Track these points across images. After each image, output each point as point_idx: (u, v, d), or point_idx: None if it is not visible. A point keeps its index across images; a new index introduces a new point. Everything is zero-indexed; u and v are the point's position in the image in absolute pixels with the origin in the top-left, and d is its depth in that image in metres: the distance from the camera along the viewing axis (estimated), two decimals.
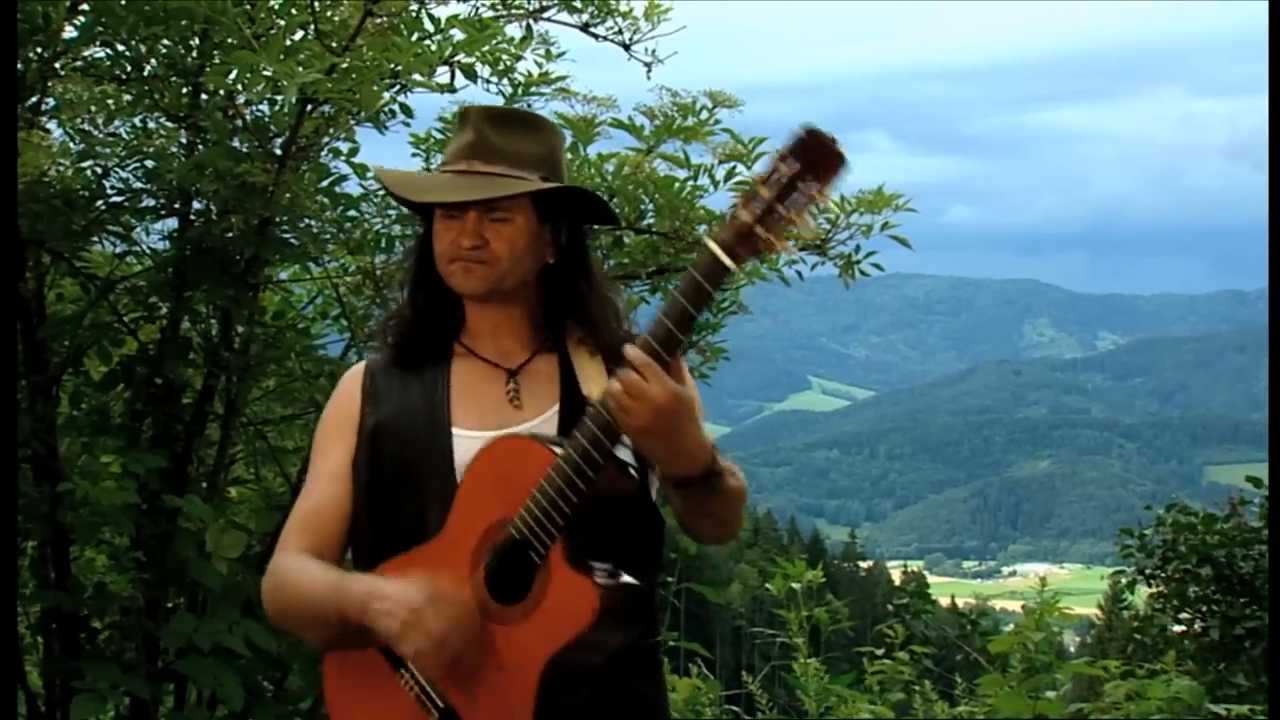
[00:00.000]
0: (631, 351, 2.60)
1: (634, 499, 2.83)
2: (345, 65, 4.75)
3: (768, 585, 7.21)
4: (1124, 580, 12.67)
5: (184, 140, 5.37)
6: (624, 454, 2.74)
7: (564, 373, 3.01)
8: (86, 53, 5.30)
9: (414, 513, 2.90)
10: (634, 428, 2.61)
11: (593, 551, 2.73)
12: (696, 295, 2.55)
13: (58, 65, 5.21)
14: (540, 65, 5.41)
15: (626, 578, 2.73)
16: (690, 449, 2.66)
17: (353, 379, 3.10)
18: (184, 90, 5.26)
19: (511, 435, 2.81)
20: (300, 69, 4.58)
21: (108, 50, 5.27)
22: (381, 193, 5.47)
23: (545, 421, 2.94)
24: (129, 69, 5.26)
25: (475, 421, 2.94)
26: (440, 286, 3.00)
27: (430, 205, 2.99)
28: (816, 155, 2.46)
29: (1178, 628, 12.14)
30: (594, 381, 2.95)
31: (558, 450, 2.69)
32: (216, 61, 5.07)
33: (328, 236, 5.40)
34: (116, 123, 5.32)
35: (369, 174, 5.49)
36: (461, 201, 2.90)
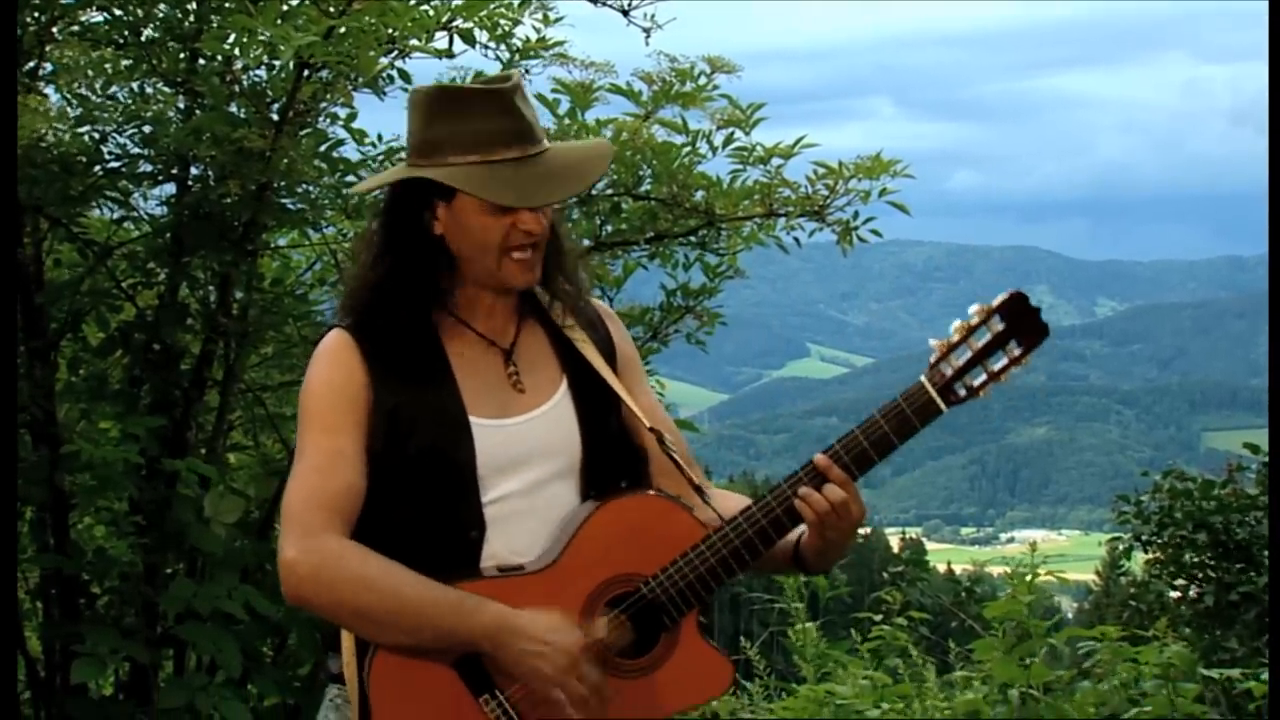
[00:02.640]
0: (834, 471, 2.86)
1: None
2: (342, 29, 4.73)
3: None
4: (1121, 547, 12.68)
5: (181, 105, 5.37)
6: None
7: (560, 348, 2.98)
8: (84, 17, 5.30)
9: (440, 509, 2.84)
10: (833, 541, 2.88)
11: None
12: (901, 427, 2.82)
13: (55, 30, 5.21)
14: (538, 30, 5.40)
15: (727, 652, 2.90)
16: (846, 551, 2.96)
17: (346, 351, 2.90)
18: (181, 55, 5.26)
19: (655, 497, 2.88)
20: (297, 33, 4.57)
21: (105, 15, 5.27)
22: (379, 158, 5.46)
23: (556, 405, 2.93)
24: (126, 34, 5.26)
25: (490, 410, 2.89)
26: (424, 260, 2.89)
27: (434, 196, 2.86)
28: (1022, 321, 2.76)
29: (1174, 594, 12.16)
30: (598, 363, 2.98)
31: (700, 518, 2.84)
32: (214, 26, 5.06)
33: (325, 202, 5.39)
34: (114, 88, 5.31)
35: (366, 139, 5.49)
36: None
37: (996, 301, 2.77)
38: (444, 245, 2.90)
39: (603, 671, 2.73)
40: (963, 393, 2.78)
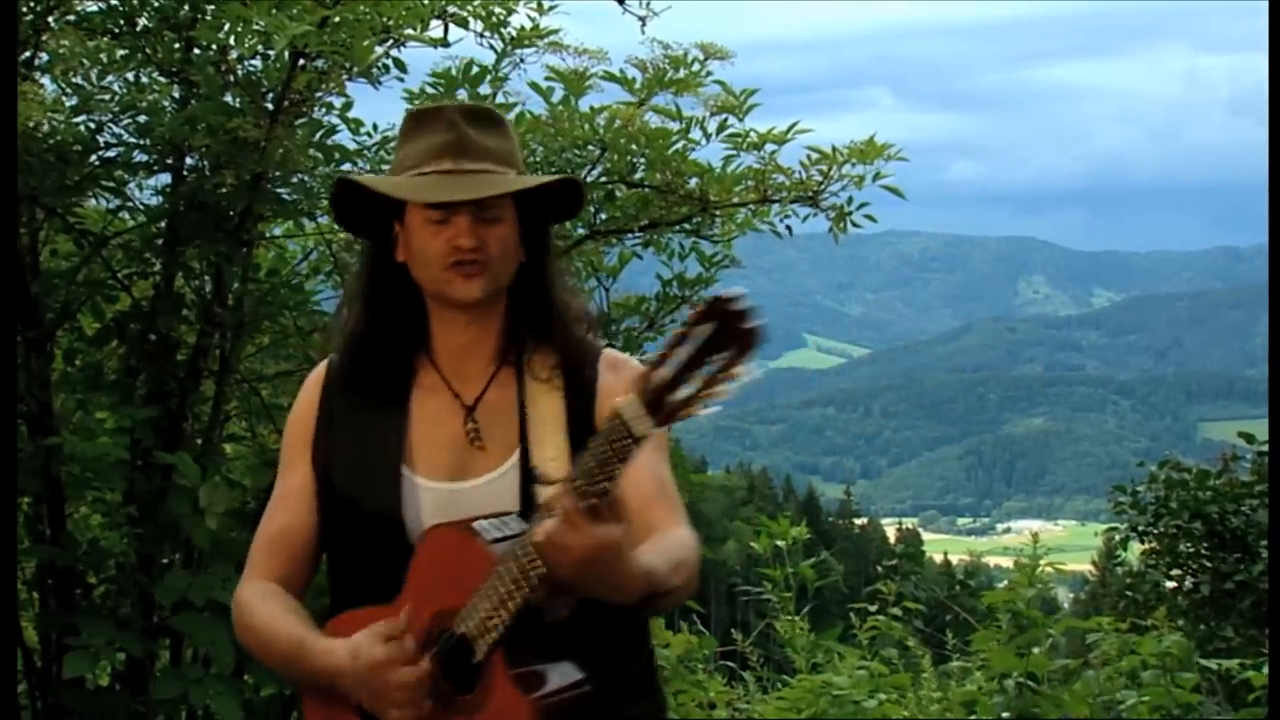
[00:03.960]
0: (556, 497, 2.45)
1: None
2: (337, 19, 4.73)
3: (752, 544, 7.21)
4: (1117, 537, 12.71)
5: (176, 95, 5.36)
6: None
7: (521, 412, 2.88)
8: (80, 6, 5.29)
9: (365, 556, 2.86)
10: (558, 578, 2.48)
11: (548, 649, 2.66)
12: (616, 454, 2.39)
13: (51, 19, 5.20)
14: (533, 19, 5.39)
15: (572, 680, 2.66)
16: (622, 586, 2.49)
17: (313, 386, 3.02)
18: (176, 45, 5.25)
19: (453, 528, 2.70)
20: (291, 22, 4.57)
21: (101, 4, 5.27)
22: (375, 147, 5.47)
23: (505, 474, 2.84)
24: (122, 23, 5.25)
25: (430, 468, 2.86)
26: (400, 301, 2.90)
27: (389, 214, 2.88)
28: (728, 326, 2.30)
29: (1170, 584, 12.20)
30: (548, 425, 2.84)
31: (497, 551, 2.59)
32: (209, 15, 5.06)
33: (321, 192, 5.39)
34: (109, 77, 5.30)
35: (362, 129, 5.49)
36: (463, 201, 2.80)
37: (703, 306, 2.34)
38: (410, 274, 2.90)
39: (436, 704, 2.67)
40: (672, 409, 2.34)
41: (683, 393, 2.32)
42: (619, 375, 2.90)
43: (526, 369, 2.90)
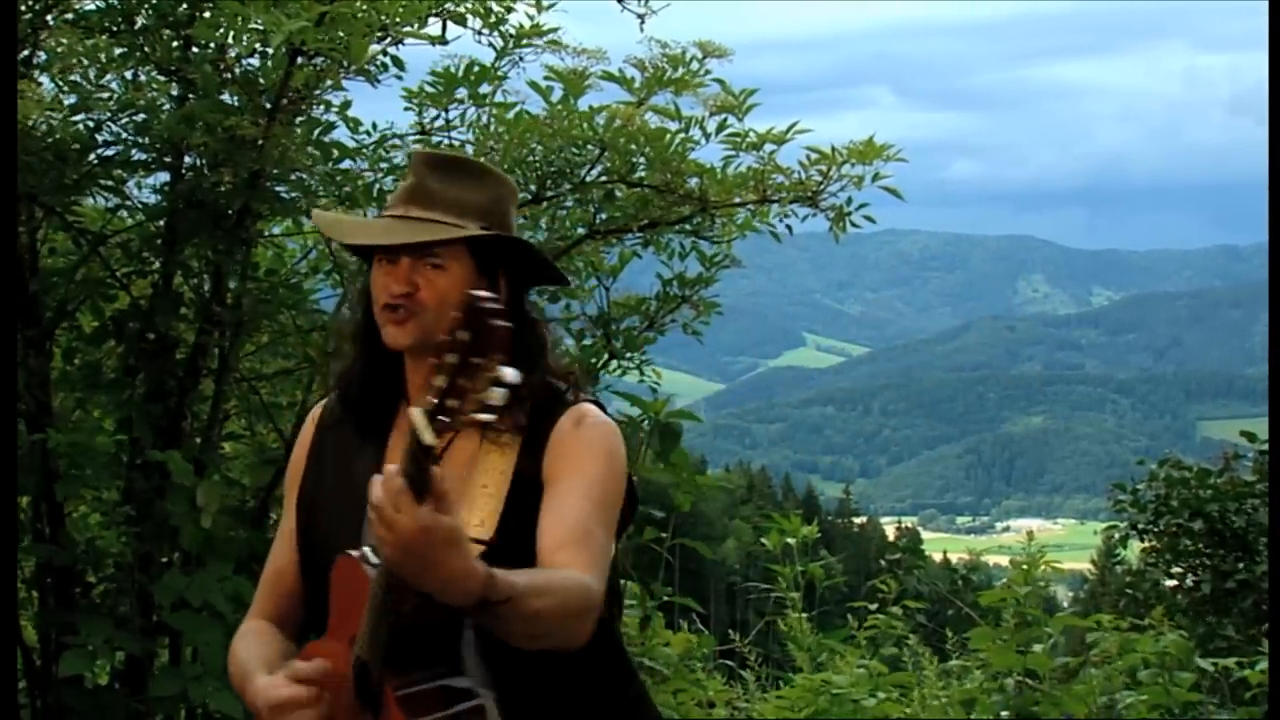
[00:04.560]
0: (386, 477, 2.39)
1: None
2: (333, 16, 4.72)
3: (763, 541, 7.21)
4: (1117, 535, 12.71)
5: (174, 93, 5.36)
6: None
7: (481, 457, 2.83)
8: (77, 5, 5.29)
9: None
10: (385, 558, 2.43)
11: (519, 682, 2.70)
12: (421, 456, 2.34)
13: (49, 17, 5.20)
14: (531, 17, 5.39)
15: (463, 706, 2.61)
16: (454, 580, 2.40)
17: (309, 425, 3.06)
18: (174, 43, 5.25)
19: (347, 555, 2.67)
20: (288, 19, 4.57)
21: (99, 2, 5.26)
22: (373, 145, 5.47)
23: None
24: (120, 21, 5.24)
25: None
26: (377, 337, 2.87)
27: (370, 254, 2.87)
28: (478, 324, 2.26)
29: (1170, 582, 12.19)
30: (487, 488, 2.77)
31: (372, 572, 2.55)
32: (207, 14, 5.05)
33: (319, 190, 5.38)
34: (107, 76, 5.29)
35: (360, 127, 5.49)
36: (389, 245, 2.79)
37: (459, 312, 2.28)
38: None
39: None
40: (450, 416, 2.29)
41: (456, 400, 2.28)
42: (578, 428, 2.83)
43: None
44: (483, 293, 2.27)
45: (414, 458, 2.33)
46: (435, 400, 2.29)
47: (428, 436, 2.30)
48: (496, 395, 2.27)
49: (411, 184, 2.88)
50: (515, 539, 2.70)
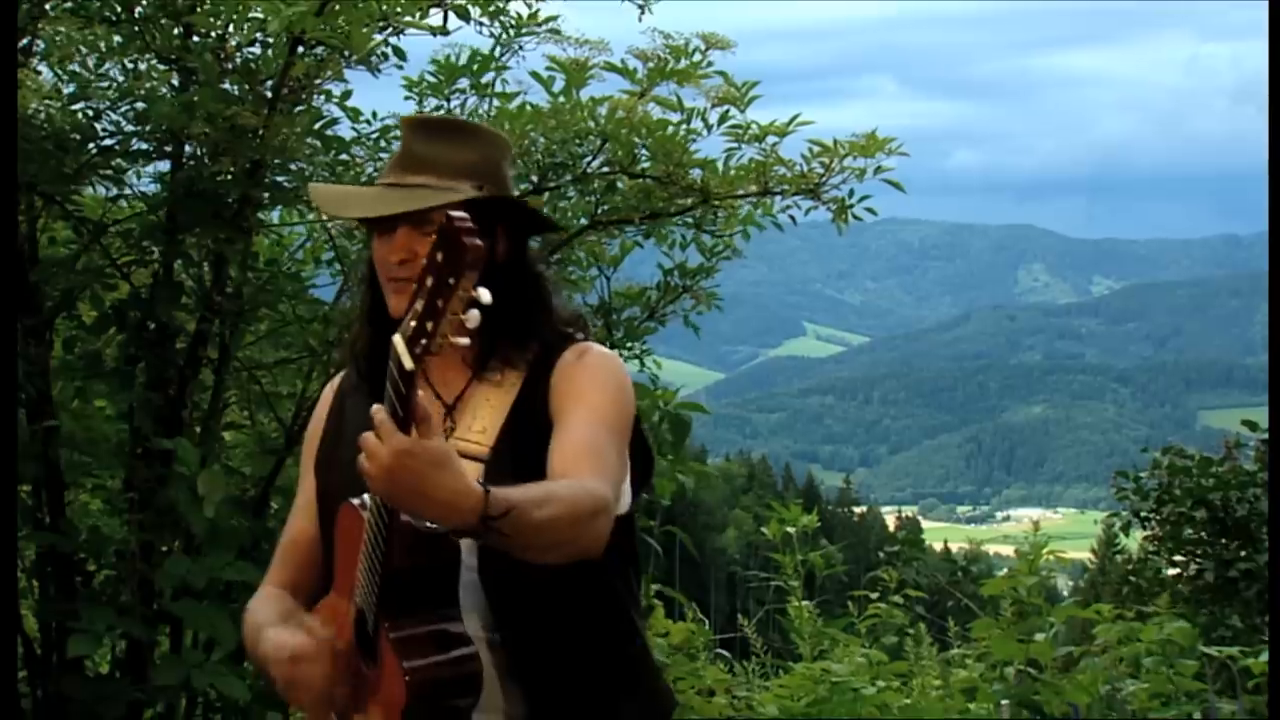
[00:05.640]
0: (373, 412, 2.40)
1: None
2: (335, 5, 4.72)
3: (763, 530, 7.22)
4: (1118, 523, 12.72)
5: (175, 82, 5.35)
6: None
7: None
8: None
9: None
10: (375, 491, 2.44)
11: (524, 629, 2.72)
12: (402, 383, 2.36)
13: (48, 6, 5.19)
14: (531, 6, 5.38)
15: (458, 652, 2.61)
16: (450, 502, 2.38)
17: (327, 394, 3.09)
18: (174, 31, 5.23)
19: (347, 503, 2.68)
20: (286, 6, 4.56)
21: None
22: (374, 135, 5.46)
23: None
24: (119, 9, 5.23)
25: None
26: (381, 304, 2.87)
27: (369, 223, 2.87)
28: (452, 243, 2.25)
29: (1171, 571, 12.21)
30: (490, 404, 2.82)
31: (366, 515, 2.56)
32: (206, 2, 5.05)
33: (320, 180, 5.38)
34: (107, 64, 5.28)
35: (361, 117, 5.48)
36: (382, 217, 2.78)
37: (435, 232, 2.29)
38: None
39: (354, 689, 2.70)
40: (428, 339, 2.30)
41: (433, 322, 2.28)
42: (581, 359, 2.85)
43: (497, 376, 2.87)
44: (457, 213, 2.26)
45: (395, 384, 2.34)
46: (414, 323, 2.30)
47: (407, 362, 2.31)
48: (473, 317, 2.28)
49: (401, 150, 2.87)
50: (515, 452, 2.73)
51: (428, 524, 2.51)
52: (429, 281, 2.28)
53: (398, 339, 2.32)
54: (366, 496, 2.56)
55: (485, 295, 2.28)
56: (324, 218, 5.73)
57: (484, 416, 2.80)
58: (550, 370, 2.84)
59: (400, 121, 2.94)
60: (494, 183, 2.86)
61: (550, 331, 2.88)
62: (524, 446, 2.73)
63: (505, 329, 2.83)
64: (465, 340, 2.30)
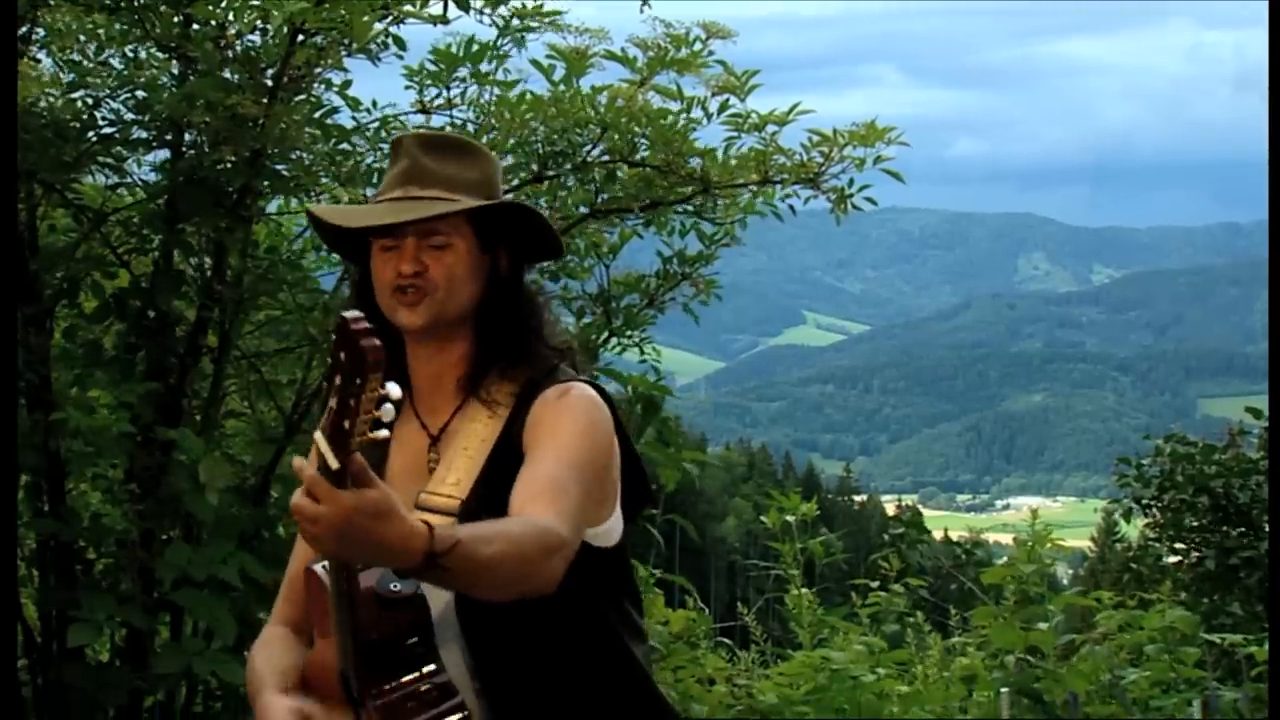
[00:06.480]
0: (297, 464, 2.35)
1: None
2: None
3: (763, 518, 7.22)
4: (1119, 510, 12.71)
5: (175, 71, 5.35)
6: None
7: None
8: None
9: None
10: (324, 554, 2.43)
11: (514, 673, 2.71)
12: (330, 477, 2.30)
13: None
14: None
15: (446, 704, 2.60)
16: (396, 546, 2.34)
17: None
18: (175, 20, 5.23)
19: (308, 569, 2.68)
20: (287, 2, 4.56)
21: None
22: (374, 125, 5.46)
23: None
24: None
25: (400, 497, 2.69)
26: (384, 329, 2.77)
27: (367, 242, 2.86)
28: (350, 346, 2.21)
29: (1172, 558, 12.21)
30: (469, 451, 2.81)
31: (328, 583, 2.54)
32: None
33: (319, 169, 5.38)
34: (107, 53, 5.29)
35: (361, 106, 5.48)
36: (397, 224, 2.78)
37: (335, 332, 2.25)
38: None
39: None
40: (348, 439, 2.25)
41: (349, 421, 2.24)
42: (559, 400, 2.82)
43: (483, 399, 2.86)
44: (351, 313, 2.23)
45: (326, 477, 2.29)
46: (332, 421, 2.26)
47: (332, 461, 2.27)
48: (387, 412, 2.25)
49: (406, 165, 2.87)
50: (489, 501, 2.69)
51: (391, 586, 2.52)
52: (337, 380, 2.25)
53: (319, 437, 2.29)
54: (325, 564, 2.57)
55: (395, 391, 2.25)
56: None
57: (459, 468, 2.78)
58: (526, 413, 2.82)
59: (404, 139, 2.92)
60: (492, 196, 2.89)
61: (538, 359, 2.88)
62: (497, 498, 2.69)
63: (497, 349, 2.86)
64: (384, 433, 2.27)
